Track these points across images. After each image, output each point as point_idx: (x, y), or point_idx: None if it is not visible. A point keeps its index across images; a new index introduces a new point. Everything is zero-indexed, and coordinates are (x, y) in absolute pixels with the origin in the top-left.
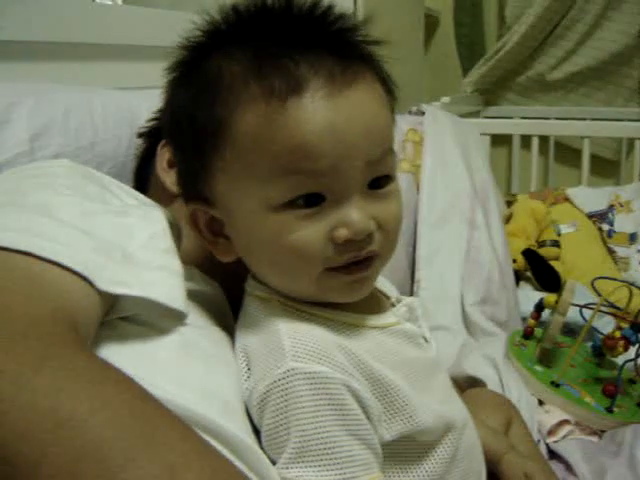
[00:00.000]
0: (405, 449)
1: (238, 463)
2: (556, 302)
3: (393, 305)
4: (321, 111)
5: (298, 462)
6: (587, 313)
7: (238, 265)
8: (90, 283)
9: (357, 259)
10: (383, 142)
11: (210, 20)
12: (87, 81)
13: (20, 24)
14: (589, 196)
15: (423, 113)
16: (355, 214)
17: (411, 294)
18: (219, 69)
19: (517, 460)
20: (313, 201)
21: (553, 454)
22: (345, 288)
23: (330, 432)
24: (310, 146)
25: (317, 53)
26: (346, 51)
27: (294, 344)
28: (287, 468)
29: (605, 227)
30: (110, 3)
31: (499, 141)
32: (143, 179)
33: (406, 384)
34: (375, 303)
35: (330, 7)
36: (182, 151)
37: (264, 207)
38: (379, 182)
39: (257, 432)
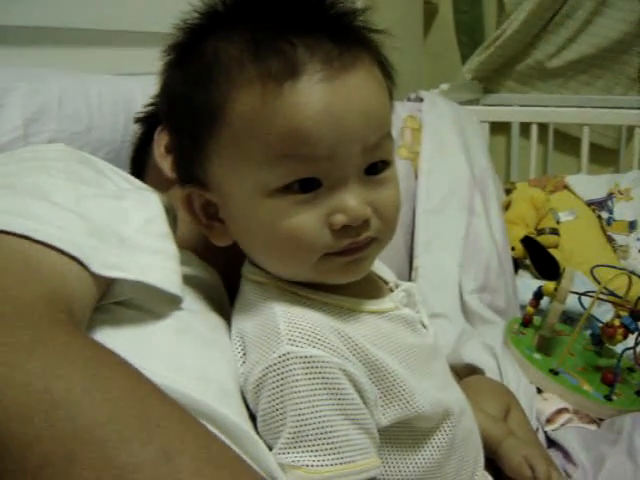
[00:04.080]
0: (402, 435)
1: (234, 448)
2: (555, 290)
3: (391, 290)
4: (318, 95)
5: (294, 447)
6: (586, 301)
7: (235, 250)
8: (85, 267)
9: (355, 245)
10: (381, 127)
11: (207, 1)
12: (82, 67)
13: (15, 9)
14: (588, 184)
15: (422, 100)
16: (352, 200)
17: (409, 281)
18: (215, 52)
19: (516, 444)
20: (309, 186)
21: (551, 442)
22: (342, 269)
23: (326, 416)
24: (306, 130)
25: (315, 36)
26: (344, 35)
27: (290, 328)
28: (283, 453)
29: (604, 215)
30: None
31: (498, 129)
32: (140, 165)
33: (403, 369)
34: (373, 288)
35: None
36: (178, 133)
37: (259, 192)
38: (376, 167)
39: (253, 417)
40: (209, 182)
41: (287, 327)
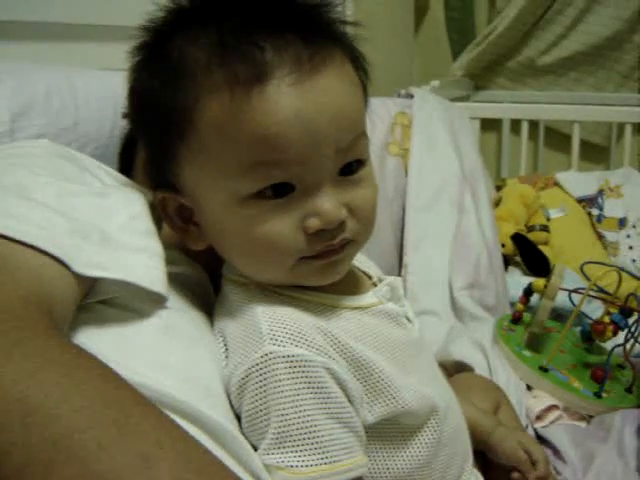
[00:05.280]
0: (390, 432)
1: (219, 450)
2: (545, 287)
3: (375, 285)
4: (287, 100)
5: (279, 447)
6: (576, 298)
7: None
8: (66, 266)
9: (331, 248)
10: (354, 128)
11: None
12: (70, 61)
13: (4, 3)
14: (579, 181)
15: (412, 96)
16: (326, 203)
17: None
18: (182, 54)
19: (508, 432)
20: (282, 191)
21: (541, 439)
22: (318, 272)
23: (310, 416)
24: (276, 137)
25: (284, 37)
26: (315, 32)
27: (272, 327)
28: (268, 454)
29: (594, 212)
30: None
31: (489, 125)
32: (128, 160)
33: (388, 365)
34: (355, 284)
35: None
36: (148, 139)
37: (232, 198)
38: (351, 167)
39: (239, 418)
40: (181, 187)
41: (269, 327)
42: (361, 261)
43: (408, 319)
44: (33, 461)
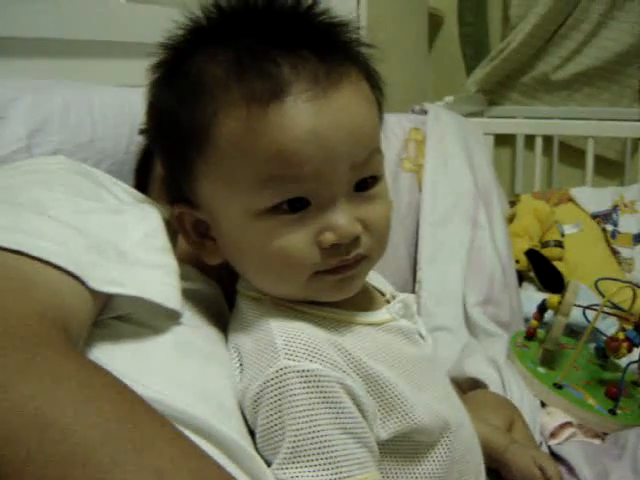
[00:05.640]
0: (403, 449)
1: (232, 466)
2: (559, 303)
3: (388, 302)
4: (303, 116)
5: (293, 462)
6: (591, 314)
7: None
8: (82, 282)
9: (345, 263)
10: (369, 144)
11: (192, 17)
12: (86, 78)
13: (21, 21)
14: (593, 196)
15: (426, 112)
16: (341, 218)
17: (413, 293)
18: (200, 71)
19: (521, 448)
20: (298, 206)
21: (555, 457)
22: (332, 287)
23: (325, 431)
24: (292, 152)
25: (301, 54)
26: (331, 50)
27: (287, 342)
28: (282, 469)
29: (609, 228)
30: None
31: (503, 141)
32: (144, 177)
33: (401, 381)
34: (369, 300)
35: (315, 2)
36: (166, 154)
37: (248, 212)
38: (366, 183)
39: (252, 433)
40: (198, 201)
41: (284, 342)
42: (374, 278)
43: (421, 336)
44: (48, 476)
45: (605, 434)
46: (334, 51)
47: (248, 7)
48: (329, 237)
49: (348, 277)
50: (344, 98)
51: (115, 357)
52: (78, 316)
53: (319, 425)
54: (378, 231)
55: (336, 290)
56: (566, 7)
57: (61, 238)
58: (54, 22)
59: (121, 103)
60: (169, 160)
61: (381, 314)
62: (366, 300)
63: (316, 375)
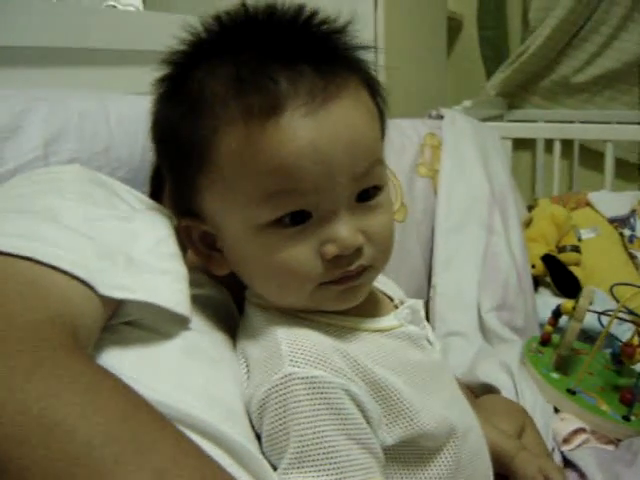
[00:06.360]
0: (409, 454)
1: (239, 469)
2: (573, 308)
3: (396, 307)
4: (301, 130)
5: (298, 467)
6: (606, 320)
7: None
8: (92, 288)
9: (348, 274)
10: (369, 155)
11: (193, 31)
12: (102, 86)
13: (36, 30)
14: (611, 201)
15: (442, 117)
16: (342, 230)
17: (428, 299)
18: (201, 87)
19: (530, 457)
20: (299, 219)
21: (568, 463)
22: (337, 297)
23: (329, 437)
24: (291, 167)
25: (298, 68)
26: (329, 61)
27: (292, 349)
28: (287, 473)
29: (627, 232)
30: (132, 9)
31: (522, 145)
32: (159, 185)
33: (407, 387)
34: (376, 306)
35: (314, 12)
36: (170, 168)
37: (250, 226)
38: (368, 193)
39: (259, 437)
40: (204, 215)
41: (289, 348)
42: (383, 283)
43: (429, 341)
44: (51, 475)
45: (619, 440)
46: (332, 62)
47: (248, 20)
48: (331, 249)
49: (352, 287)
50: (342, 110)
51: (124, 361)
52: (87, 321)
53: (323, 431)
54: (381, 241)
55: (340, 300)
56: (585, 10)
57: (72, 245)
58: (69, 31)
59: (136, 111)
60: (173, 174)
61: (388, 320)
62: (373, 306)
63: (320, 382)
